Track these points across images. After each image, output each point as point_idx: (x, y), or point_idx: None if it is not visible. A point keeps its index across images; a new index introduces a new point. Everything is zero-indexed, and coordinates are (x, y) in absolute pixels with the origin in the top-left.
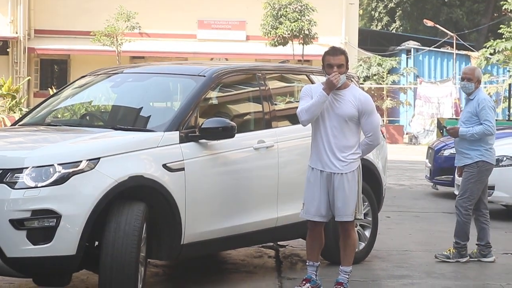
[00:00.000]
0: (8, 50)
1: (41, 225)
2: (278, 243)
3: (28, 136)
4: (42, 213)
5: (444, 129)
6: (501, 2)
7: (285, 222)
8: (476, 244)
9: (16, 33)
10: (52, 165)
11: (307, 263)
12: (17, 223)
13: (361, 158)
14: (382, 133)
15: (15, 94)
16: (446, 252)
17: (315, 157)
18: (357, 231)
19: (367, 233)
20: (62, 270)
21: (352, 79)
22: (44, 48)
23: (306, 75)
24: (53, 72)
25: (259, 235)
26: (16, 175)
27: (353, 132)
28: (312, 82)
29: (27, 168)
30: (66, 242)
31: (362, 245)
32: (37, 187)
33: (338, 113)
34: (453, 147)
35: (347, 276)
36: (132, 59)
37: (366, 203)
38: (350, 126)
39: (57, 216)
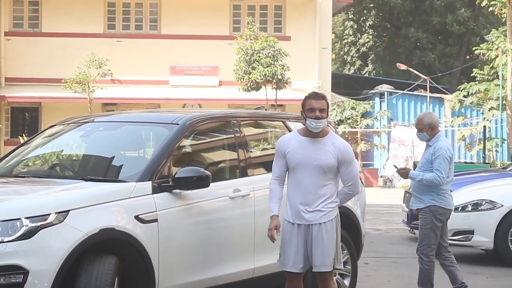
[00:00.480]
0: None
1: (8, 282)
2: None
3: None
4: (9, 269)
5: (396, 169)
6: (474, 48)
7: (263, 272)
8: None
9: None
10: (19, 218)
11: None
12: None
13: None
14: (361, 179)
15: None
16: None
17: (291, 211)
18: (336, 280)
19: (347, 282)
20: None
21: (329, 125)
22: (15, 96)
23: (282, 121)
24: (24, 120)
25: (236, 286)
26: None
27: (331, 182)
28: (288, 128)
29: None
30: None
31: None
32: (3, 242)
33: (318, 164)
34: None
35: None
36: (104, 106)
37: (345, 251)
38: (328, 176)
39: (25, 272)
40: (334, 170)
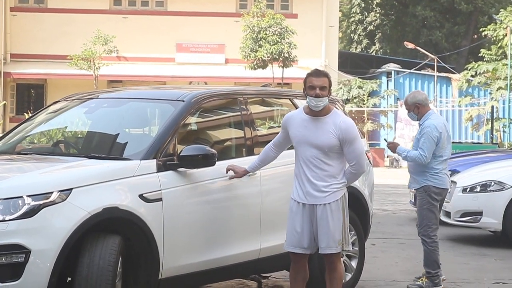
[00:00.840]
0: None
1: (9, 261)
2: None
3: None
4: (10, 249)
5: (386, 143)
6: (481, 29)
7: (269, 253)
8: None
9: None
10: (21, 197)
11: None
12: None
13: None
14: (368, 159)
15: None
16: (419, 281)
17: (296, 189)
18: (344, 262)
19: (354, 263)
20: None
21: (337, 103)
22: (20, 73)
23: (289, 99)
24: (30, 97)
25: (242, 267)
26: None
27: (335, 161)
28: (296, 106)
29: None
30: (36, 279)
31: (349, 276)
32: (4, 220)
33: (317, 144)
34: None
35: None
36: (110, 83)
37: (353, 232)
38: (331, 156)
39: (26, 252)
40: (336, 149)
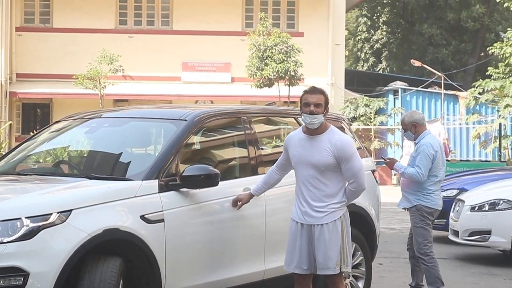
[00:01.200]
0: None
1: (7, 285)
2: None
3: None
4: (8, 271)
5: (383, 160)
6: (488, 48)
7: (273, 274)
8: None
9: None
10: (20, 218)
11: None
12: None
13: (353, 205)
14: (375, 178)
15: None
16: None
17: (295, 209)
18: (350, 282)
19: (361, 284)
20: None
21: (343, 122)
22: (26, 92)
23: (293, 117)
24: (36, 116)
25: None
26: None
27: (333, 180)
28: (300, 125)
29: None
30: None
31: None
32: (2, 242)
33: (313, 163)
34: (447, 189)
35: None
36: (116, 102)
37: (359, 252)
38: (328, 175)
39: (25, 274)
40: (332, 167)
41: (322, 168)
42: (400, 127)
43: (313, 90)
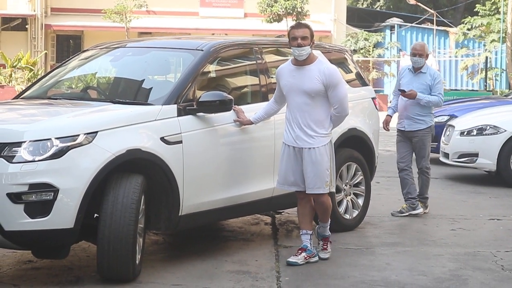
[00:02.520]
0: (26, 26)
1: (39, 199)
2: None
3: (27, 110)
4: (40, 187)
5: (400, 92)
6: None
7: (281, 192)
8: (409, 199)
9: (34, 11)
10: (50, 139)
11: (300, 232)
12: (14, 197)
13: (354, 129)
14: (375, 105)
15: (32, 67)
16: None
17: (286, 134)
18: (351, 199)
19: (360, 201)
20: (60, 243)
21: (346, 53)
22: (60, 25)
23: None
24: (68, 47)
25: (256, 205)
26: (14, 149)
27: (321, 106)
28: None
29: (24, 142)
30: (63, 215)
31: (356, 212)
32: (34, 161)
33: (305, 90)
34: (439, 115)
35: (327, 227)
36: (140, 35)
37: (360, 172)
38: (317, 101)
39: (55, 190)
40: (321, 94)
41: (313, 95)
42: (395, 59)
43: (299, 25)
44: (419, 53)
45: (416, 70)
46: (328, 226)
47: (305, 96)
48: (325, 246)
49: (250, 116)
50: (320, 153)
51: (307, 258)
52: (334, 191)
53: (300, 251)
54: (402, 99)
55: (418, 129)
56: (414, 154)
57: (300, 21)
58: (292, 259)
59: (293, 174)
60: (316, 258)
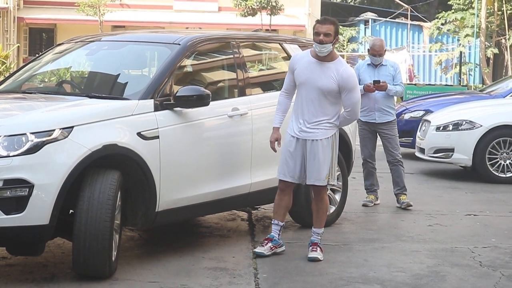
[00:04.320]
0: None
1: (14, 195)
2: None
3: (1, 104)
4: (14, 183)
5: (374, 83)
6: None
7: (259, 187)
8: (375, 190)
9: (6, 3)
10: (25, 134)
11: (272, 222)
12: None
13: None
14: None
15: (4, 60)
16: (404, 200)
17: (292, 124)
18: (328, 195)
19: (338, 197)
20: (36, 240)
21: None
22: (33, 18)
23: (279, 43)
24: (41, 40)
25: (233, 201)
26: None
27: (332, 104)
28: (285, 50)
29: None
30: (39, 211)
31: (333, 208)
32: (9, 156)
33: (318, 86)
34: (414, 110)
35: (320, 237)
36: (113, 28)
37: (337, 168)
38: (329, 99)
39: (30, 186)
40: (334, 94)
41: (325, 93)
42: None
43: (324, 21)
44: (379, 53)
45: (380, 64)
46: (321, 236)
47: (317, 92)
48: (314, 249)
49: (273, 125)
50: (323, 145)
51: (273, 248)
52: (335, 183)
53: (266, 241)
54: (368, 92)
55: (388, 120)
56: (383, 147)
57: (327, 17)
58: (258, 249)
59: (293, 165)
60: (283, 248)
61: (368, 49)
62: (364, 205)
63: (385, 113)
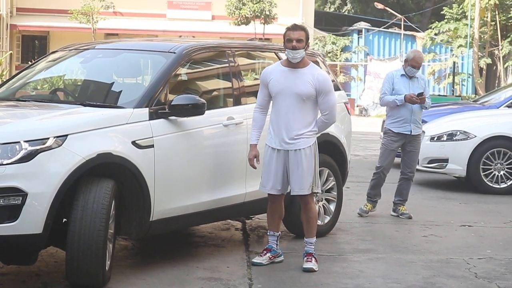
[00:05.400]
0: None
1: (7, 203)
2: None
3: None
4: (8, 191)
5: (418, 95)
6: None
7: (253, 197)
8: (376, 201)
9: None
10: (18, 142)
11: (268, 233)
12: None
13: (327, 134)
14: (347, 109)
15: None
16: (404, 211)
17: (271, 136)
18: (323, 205)
19: (332, 207)
20: (29, 249)
21: (318, 56)
22: (25, 25)
23: (274, 52)
24: (34, 47)
25: (228, 210)
26: None
27: (310, 110)
28: (280, 59)
29: None
30: (32, 220)
31: (328, 218)
32: (2, 164)
33: (296, 92)
34: None
35: (313, 247)
36: (107, 36)
37: (332, 178)
38: (307, 104)
39: (23, 194)
40: (312, 99)
41: (304, 98)
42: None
43: (295, 27)
44: (419, 66)
45: (411, 76)
46: (314, 244)
47: (295, 98)
48: (309, 259)
49: (250, 142)
50: (305, 154)
51: (272, 258)
52: (320, 191)
53: (265, 252)
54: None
55: (418, 133)
56: (401, 159)
57: (296, 23)
58: (256, 259)
59: (275, 177)
60: (281, 258)
61: (406, 60)
62: (359, 214)
63: (418, 125)
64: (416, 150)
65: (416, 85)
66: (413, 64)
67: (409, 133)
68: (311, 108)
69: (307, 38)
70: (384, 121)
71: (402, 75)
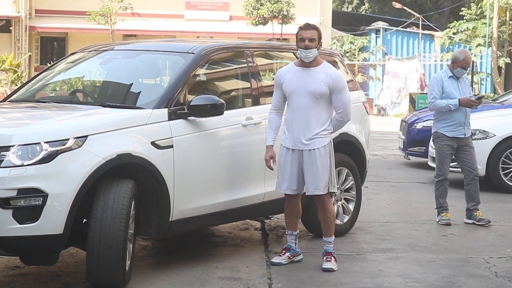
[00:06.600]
0: (10, 28)
1: (28, 204)
2: None
3: (15, 113)
4: (29, 192)
5: (477, 98)
6: None
7: (272, 197)
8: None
9: (18, 12)
10: (39, 143)
11: (286, 232)
12: (3, 202)
13: (345, 134)
14: (366, 109)
15: (16, 69)
16: (481, 215)
17: (286, 136)
18: (342, 205)
19: (351, 206)
20: (49, 249)
21: (336, 57)
22: (44, 27)
23: (292, 52)
24: (52, 49)
25: (247, 210)
26: (2, 153)
27: (324, 108)
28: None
29: (13, 146)
30: (53, 221)
31: (347, 218)
32: (23, 165)
33: (310, 91)
34: (427, 120)
35: (332, 245)
36: (125, 37)
37: (351, 178)
38: (321, 103)
39: (44, 195)
40: (326, 97)
41: (317, 96)
42: (381, 63)
43: (307, 26)
44: (468, 67)
45: (459, 77)
46: (333, 243)
47: (309, 97)
48: (329, 259)
49: (266, 143)
50: (320, 154)
51: (291, 257)
52: (336, 191)
53: (284, 251)
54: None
55: (470, 135)
56: (461, 163)
57: (309, 23)
58: (276, 259)
59: (290, 177)
60: (301, 257)
61: (454, 62)
62: (447, 224)
63: (469, 127)
64: (472, 148)
65: (463, 86)
66: (463, 65)
67: (463, 136)
68: (325, 106)
69: (320, 37)
70: (403, 120)
71: (450, 76)
